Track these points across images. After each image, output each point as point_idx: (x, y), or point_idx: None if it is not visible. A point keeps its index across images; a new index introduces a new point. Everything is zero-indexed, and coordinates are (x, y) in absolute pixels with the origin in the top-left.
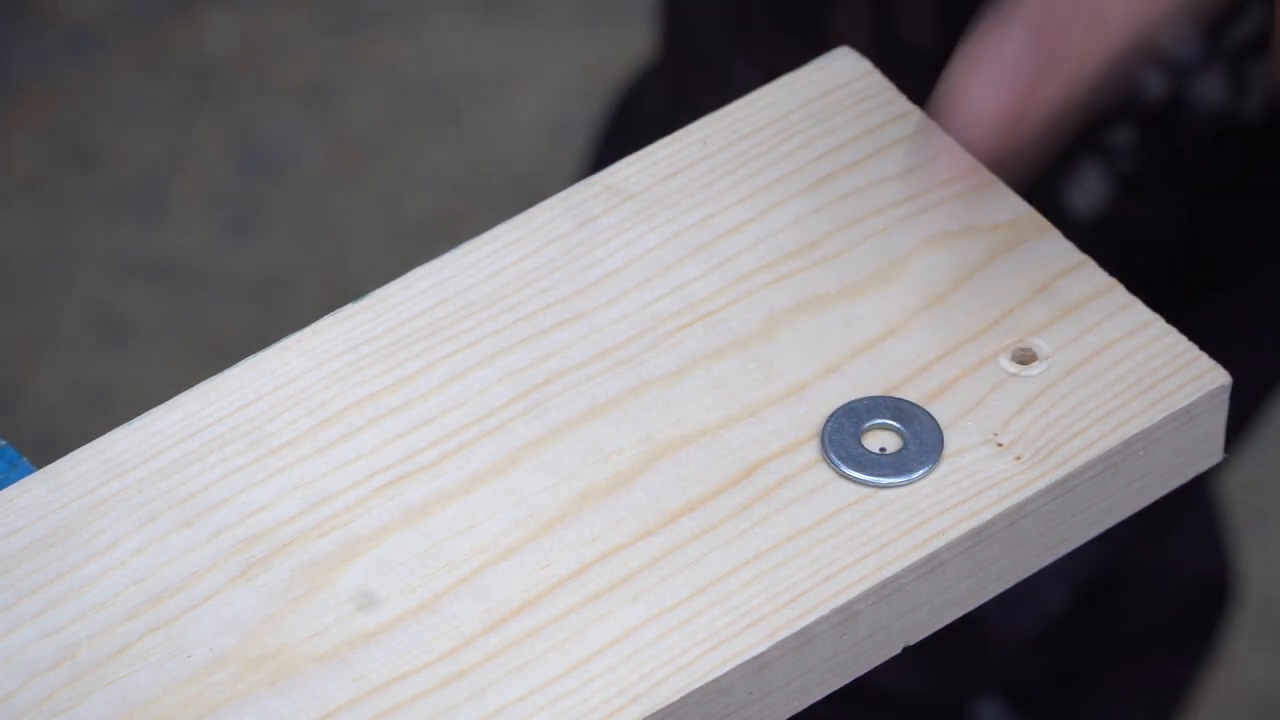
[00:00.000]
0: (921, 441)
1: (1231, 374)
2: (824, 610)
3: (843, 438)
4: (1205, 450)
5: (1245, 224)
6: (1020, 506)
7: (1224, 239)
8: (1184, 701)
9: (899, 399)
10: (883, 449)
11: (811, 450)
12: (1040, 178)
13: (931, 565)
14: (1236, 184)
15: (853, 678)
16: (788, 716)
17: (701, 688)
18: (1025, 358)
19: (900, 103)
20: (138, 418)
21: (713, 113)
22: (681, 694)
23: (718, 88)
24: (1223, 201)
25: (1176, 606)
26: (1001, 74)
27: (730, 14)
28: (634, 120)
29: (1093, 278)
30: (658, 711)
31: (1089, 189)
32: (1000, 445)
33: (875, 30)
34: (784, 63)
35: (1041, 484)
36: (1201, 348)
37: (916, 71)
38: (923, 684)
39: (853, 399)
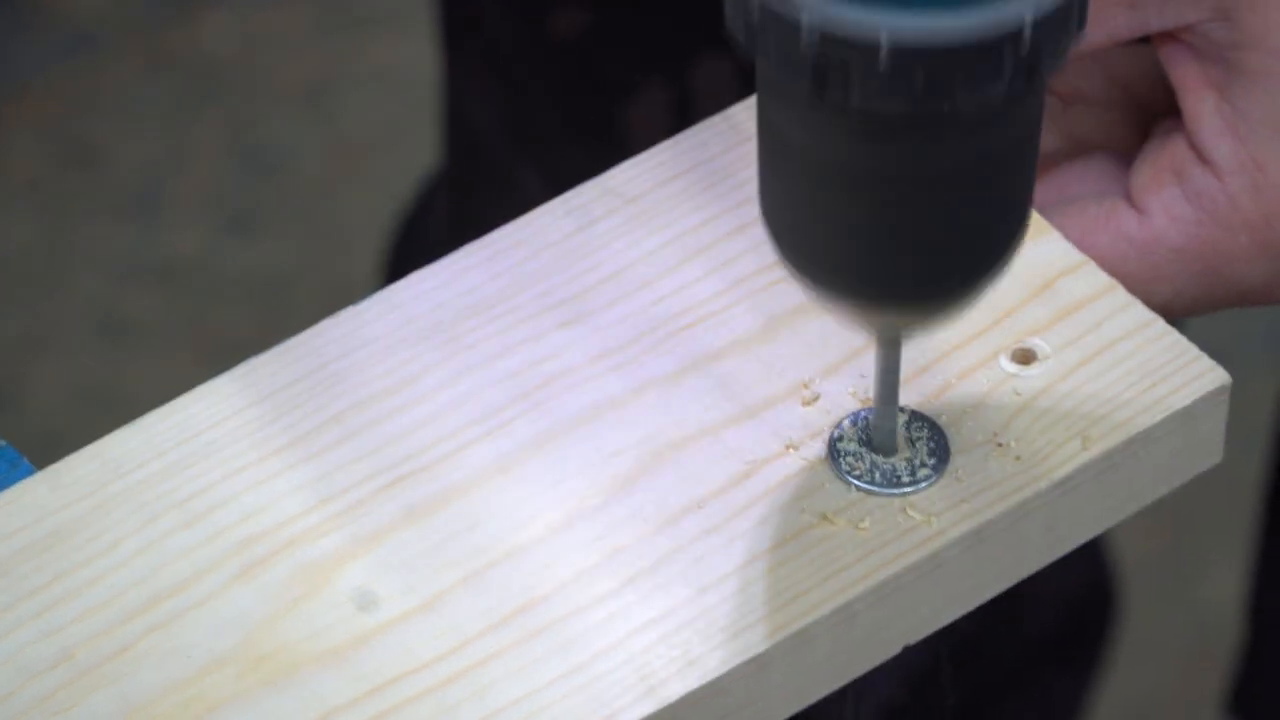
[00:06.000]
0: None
1: None
2: (824, 610)
3: (850, 447)
4: (1205, 450)
5: None
6: (1020, 506)
7: None
8: (1078, 717)
9: (911, 409)
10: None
11: (812, 450)
12: None
13: (932, 565)
14: None
15: (852, 677)
16: (787, 716)
17: (701, 688)
18: (1025, 358)
19: None
20: (139, 419)
21: (712, 116)
22: (681, 694)
23: (503, 196)
24: None
25: (1060, 625)
26: None
27: (516, 117)
28: (420, 235)
29: (1093, 278)
30: (658, 712)
31: None
32: (1000, 445)
33: (672, 128)
34: (571, 166)
35: (1041, 484)
36: None
37: None
38: None
39: (860, 409)
